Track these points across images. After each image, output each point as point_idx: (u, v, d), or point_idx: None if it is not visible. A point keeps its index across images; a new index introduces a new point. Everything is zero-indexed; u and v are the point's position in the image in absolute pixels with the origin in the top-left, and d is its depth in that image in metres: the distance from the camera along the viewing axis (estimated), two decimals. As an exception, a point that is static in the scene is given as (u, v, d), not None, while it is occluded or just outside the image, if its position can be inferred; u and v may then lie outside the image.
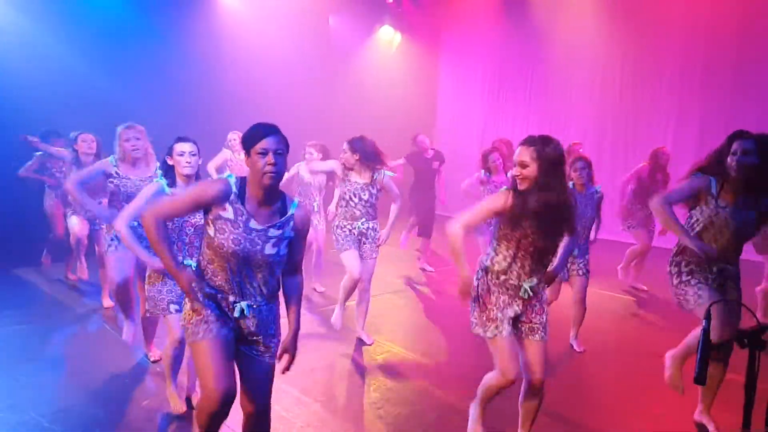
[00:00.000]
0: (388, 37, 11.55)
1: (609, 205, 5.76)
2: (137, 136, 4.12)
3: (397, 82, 11.54)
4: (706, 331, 1.69)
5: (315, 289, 6.11)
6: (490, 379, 2.91)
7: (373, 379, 4.11)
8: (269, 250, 2.37)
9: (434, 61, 12.24)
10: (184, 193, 2.38)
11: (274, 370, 2.55)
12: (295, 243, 2.47)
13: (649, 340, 4.88)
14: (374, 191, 4.59)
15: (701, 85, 8.68)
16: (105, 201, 4.53)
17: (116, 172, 4.11)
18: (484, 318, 2.83)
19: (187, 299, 2.45)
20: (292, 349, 2.53)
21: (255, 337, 2.46)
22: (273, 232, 2.37)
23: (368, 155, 4.51)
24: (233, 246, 2.32)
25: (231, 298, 2.40)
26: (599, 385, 4.13)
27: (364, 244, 4.63)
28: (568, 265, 4.52)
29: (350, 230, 4.60)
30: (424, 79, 12.04)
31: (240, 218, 2.33)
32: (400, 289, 6.45)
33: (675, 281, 3.32)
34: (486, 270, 2.87)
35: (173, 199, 2.36)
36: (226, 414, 2.40)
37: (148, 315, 3.64)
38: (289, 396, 3.72)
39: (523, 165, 2.71)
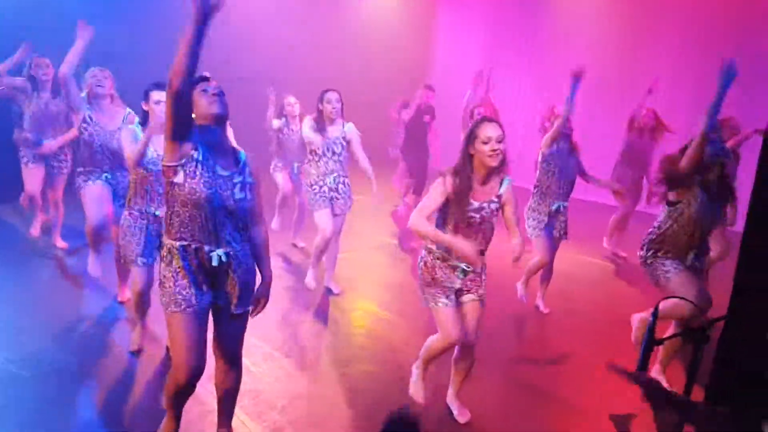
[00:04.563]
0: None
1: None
2: (105, 76, 4.14)
3: (392, 30, 11.22)
4: (651, 327, 1.72)
5: (295, 245, 6.12)
6: (433, 341, 3.08)
7: (344, 337, 4.18)
8: (239, 194, 2.40)
9: (431, 14, 11.90)
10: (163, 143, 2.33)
11: (246, 320, 2.59)
12: (255, 190, 2.50)
13: (621, 307, 4.91)
14: (345, 144, 4.54)
15: (701, 48, 8.51)
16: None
17: (89, 116, 4.09)
18: (432, 292, 2.96)
19: (159, 258, 2.47)
20: (264, 297, 2.60)
21: (230, 287, 2.46)
22: (237, 178, 2.40)
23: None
24: (206, 190, 2.30)
25: (206, 248, 2.38)
26: (568, 351, 4.20)
27: (337, 200, 4.61)
28: (559, 216, 4.54)
29: (321, 187, 4.57)
30: (419, 28, 11.70)
31: (207, 162, 2.33)
32: (380, 245, 6.48)
33: (649, 260, 3.45)
34: (429, 251, 2.98)
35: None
36: (193, 387, 2.49)
37: (121, 261, 3.70)
38: (259, 350, 3.79)
39: (500, 140, 2.75)
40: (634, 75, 9.16)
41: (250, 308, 2.57)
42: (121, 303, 4.34)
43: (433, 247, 2.96)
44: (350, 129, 4.55)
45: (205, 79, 2.40)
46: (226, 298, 2.49)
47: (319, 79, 9.67)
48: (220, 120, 2.36)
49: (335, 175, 4.57)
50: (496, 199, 2.88)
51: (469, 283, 2.98)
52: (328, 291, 4.88)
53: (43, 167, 5.35)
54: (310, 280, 4.86)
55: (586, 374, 3.80)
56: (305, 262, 5.52)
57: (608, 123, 9.43)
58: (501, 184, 2.90)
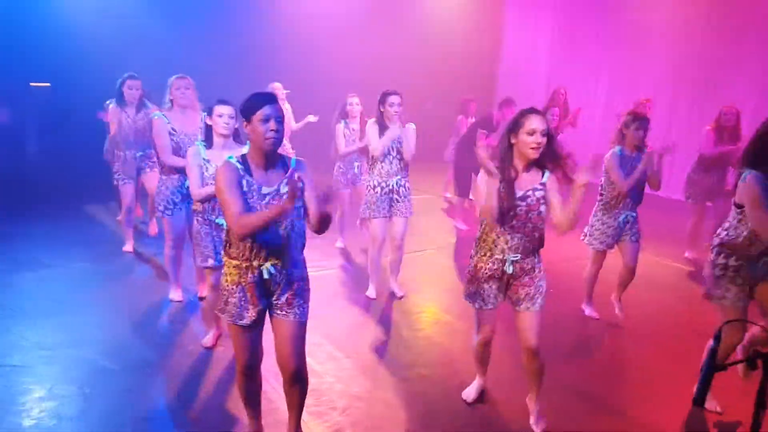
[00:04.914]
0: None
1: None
2: (187, 86, 4.39)
3: (461, 26, 11.15)
4: (713, 351, 1.65)
5: (337, 246, 6.17)
6: (473, 338, 3.28)
7: (405, 340, 4.27)
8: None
9: (500, 6, 11.73)
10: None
11: (304, 330, 2.71)
12: (308, 191, 2.60)
13: (693, 317, 4.73)
14: (402, 144, 4.56)
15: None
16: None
17: (172, 129, 4.36)
18: (472, 290, 3.08)
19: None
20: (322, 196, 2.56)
21: (284, 298, 2.61)
22: (284, 188, 2.54)
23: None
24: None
25: (255, 263, 2.54)
26: (632, 362, 4.11)
27: (397, 202, 4.66)
28: (628, 227, 4.37)
29: (383, 188, 4.63)
30: (489, 24, 11.57)
31: (252, 189, 2.50)
32: (444, 245, 6.51)
33: (717, 272, 3.17)
34: (477, 245, 3.06)
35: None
36: (254, 376, 2.78)
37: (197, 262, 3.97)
38: (322, 350, 3.94)
39: (545, 134, 2.77)
40: (713, 77, 8.69)
41: (305, 319, 2.69)
42: (201, 299, 4.58)
43: (488, 240, 2.97)
44: (411, 127, 4.58)
45: (270, 101, 2.49)
46: (279, 306, 2.63)
47: (384, 78, 9.84)
48: (273, 151, 2.51)
49: (398, 177, 4.63)
50: (540, 187, 2.88)
51: (516, 283, 3.00)
52: (392, 294, 4.97)
53: (134, 183, 5.72)
54: (371, 291, 4.95)
55: (653, 387, 3.70)
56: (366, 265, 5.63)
57: (690, 117, 9.01)
58: (543, 174, 2.89)
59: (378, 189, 4.66)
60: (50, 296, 4.65)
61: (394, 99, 4.48)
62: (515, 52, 11.67)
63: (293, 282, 2.62)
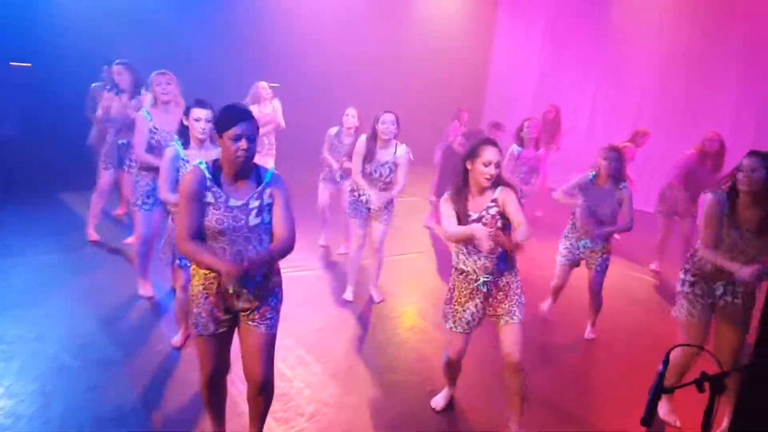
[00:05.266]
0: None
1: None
2: (168, 81, 4.32)
3: (451, 33, 11.14)
4: (661, 375, 1.66)
5: (320, 245, 6.11)
6: (444, 354, 3.32)
7: (379, 346, 4.21)
8: (254, 221, 2.47)
9: (492, 7, 11.71)
10: (180, 205, 2.44)
11: (273, 341, 2.64)
12: (277, 209, 2.51)
13: (658, 328, 4.71)
14: (394, 168, 4.52)
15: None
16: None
17: (154, 127, 4.28)
18: (447, 310, 3.17)
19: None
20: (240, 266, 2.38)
21: (252, 309, 2.55)
22: (253, 203, 2.47)
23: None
24: (218, 226, 2.43)
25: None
26: (604, 376, 4.09)
27: (376, 211, 4.62)
28: (587, 252, 4.36)
29: (361, 196, 4.61)
30: (479, 32, 11.57)
31: (219, 200, 2.44)
32: (426, 250, 6.47)
33: (684, 289, 3.30)
34: (454, 268, 3.14)
35: (180, 216, 2.43)
36: (218, 388, 2.72)
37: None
38: (292, 353, 3.87)
39: (498, 165, 2.91)
40: (698, 90, 8.75)
41: (275, 330, 2.62)
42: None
43: (459, 263, 3.06)
44: (402, 153, 4.51)
45: (244, 118, 2.40)
46: (249, 315, 2.56)
47: (379, 83, 9.85)
48: (244, 166, 2.44)
49: (377, 191, 4.58)
50: (492, 204, 2.95)
51: (493, 301, 3.04)
52: (370, 298, 4.92)
53: (113, 172, 5.55)
54: (348, 294, 4.90)
55: (619, 397, 3.69)
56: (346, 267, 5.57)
57: (671, 129, 9.06)
58: (495, 190, 2.96)
59: (357, 193, 4.63)
60: (14, 287, 4.52)
61: (387, 117, 4.44)
62: (506, 55, 11.69)
63: (264, 293, 2.55)
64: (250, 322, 2.56)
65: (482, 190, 2.97)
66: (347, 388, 3.58)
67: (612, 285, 4.81)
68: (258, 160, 2.63)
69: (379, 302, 4.86)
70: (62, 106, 6.87)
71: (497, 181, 2.95)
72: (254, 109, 6.16)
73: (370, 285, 4.97)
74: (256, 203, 2.48)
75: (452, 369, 3.35)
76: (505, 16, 11.69)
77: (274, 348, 2.65)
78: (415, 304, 5.01)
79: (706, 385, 1.70)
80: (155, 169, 4.19)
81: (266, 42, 8.85)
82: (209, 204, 2.43)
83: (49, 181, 7.10)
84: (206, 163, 2.50)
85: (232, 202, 2.44)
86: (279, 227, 2.51)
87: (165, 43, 7.44)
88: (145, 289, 4.59)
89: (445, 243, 6.70)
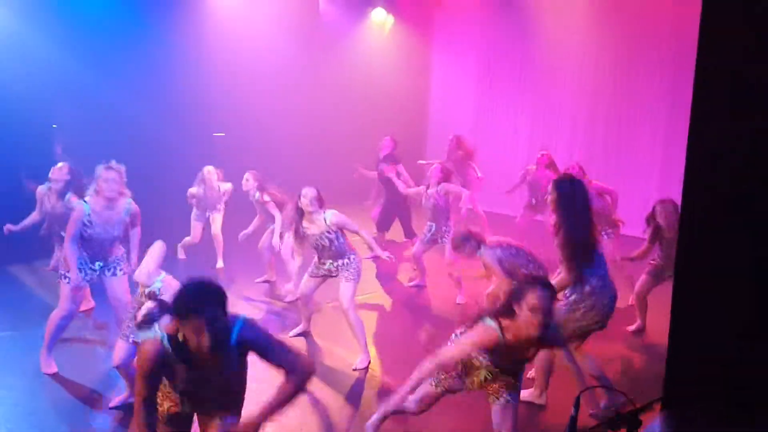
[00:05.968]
0: (380, 19, 11.39)
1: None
2: (115, 179, 4.20)
3: (389, 68, 11.42)
4: (573, 419, 1.80)
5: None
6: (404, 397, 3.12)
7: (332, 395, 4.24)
8: (219, 381, 2.37)
9: (426, 46, 12.10)
10: (139, 375, 2.27)
11: None
12: (264, 358, 2.34)
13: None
14: (335, 232, 4.61)
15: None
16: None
17: (88, 221, 4.19)
18: (442, 378, 3.12)
19: None
20: None
21: None
22: (222, 366, 2.32)
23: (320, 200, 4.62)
24: (184, 387, 2.39)
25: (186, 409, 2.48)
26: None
27: (337, 276, 4.69)
28: None
29: (316, 266, 4.81)
30: (416, 67, 11.88)
31: (183, 372, 2.31)
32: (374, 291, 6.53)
33: None
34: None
35: (137, 386, 2.29)
36: None
37: None
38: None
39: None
40: (631, 100, 9.29)
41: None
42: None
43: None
44: (331, 216, 4.61)
45: (207, 302, 2.18)
46: None
47: (316, 118, 9.97)
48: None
49: (330, 262, 4.69)
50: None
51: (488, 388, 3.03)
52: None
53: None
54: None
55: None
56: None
57: (607, 151, 9.56)
58: None
59: (313, 265, 4.85)
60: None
61: (308, 191, 4.59)
62: (443, 92, 12.05)
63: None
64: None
65: None
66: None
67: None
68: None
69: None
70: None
71: None
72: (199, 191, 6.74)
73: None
74: (225, 365, 2.31)
75: (404, 409, 3.30)
76: (440, 55, 12.07)
77: None
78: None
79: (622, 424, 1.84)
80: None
81: (202, 93, 8.85)
82: (173, 374, 2.30)
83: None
84: (165, 335, 2.24)
85: (197, 372, 2.29)
86: (281, 370, 2.29)
87: (91, 100, 7.51)
88: (49, 366, 4.37)
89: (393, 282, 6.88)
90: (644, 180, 8.99)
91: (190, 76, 8.70)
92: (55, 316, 4.36)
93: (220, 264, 7.09)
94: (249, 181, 6.16)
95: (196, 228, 7.05)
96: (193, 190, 6.86)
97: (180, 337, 2.21)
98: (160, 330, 2.26)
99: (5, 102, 6.89)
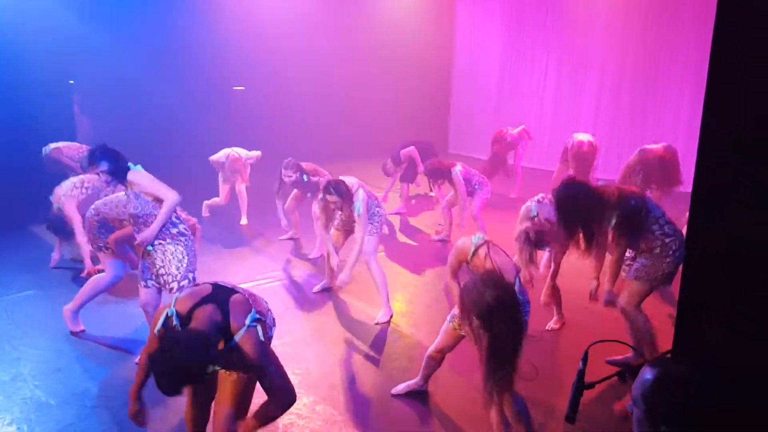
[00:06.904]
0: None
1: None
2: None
3: (413, 17, 11.16)
4: (581, 372, 1.73)
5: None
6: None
7: (357, 354, 4.25)
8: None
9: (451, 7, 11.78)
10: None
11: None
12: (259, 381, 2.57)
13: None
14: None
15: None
16: None
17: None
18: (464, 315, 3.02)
19: None
20: None
21: None
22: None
23: (347, 195, 4.53)
24: None
25: None
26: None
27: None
28: None
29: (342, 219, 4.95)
30: (440, 24, 11.59)
31: None
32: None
33: None
34: None
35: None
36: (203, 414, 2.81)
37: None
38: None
39: None
40: (652, 69, 9.02)
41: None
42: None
43: None
44: (360, 205, 4.54)
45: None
46: None
47: (338, 81, 9.81)
48: None
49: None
50: None
51: None
52: (345, 306, 4.91)
53: None
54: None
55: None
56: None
57: (633, 109, 9.29)
58: None
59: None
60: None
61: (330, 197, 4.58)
62: (468, 49, 11.72)
63: None
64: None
65: None
66: (322, 397, 3.64)
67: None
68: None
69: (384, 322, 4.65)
70: (25, 131, 6.81)
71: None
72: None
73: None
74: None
75: (430, 363, 3.44)
76: (465, 8, 11.70)
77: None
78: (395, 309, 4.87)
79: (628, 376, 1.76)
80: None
81: (227, 49, 8.83)
82: None
83: (19, 213, 6.75)
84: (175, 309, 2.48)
85: None
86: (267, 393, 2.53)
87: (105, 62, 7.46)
88: (77, 324, 4.44)
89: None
90: (669, 139, 8.67)
91: (210, 32, 8.67)
92: (101, 281, 4.40)
93: (244, 221, 7.14)
94: (291, 177, 5.97)
95: (223, 190, 7.09)
96: (215, 157, 6.94)
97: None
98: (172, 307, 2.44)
99: (22, 60, 6.89)
